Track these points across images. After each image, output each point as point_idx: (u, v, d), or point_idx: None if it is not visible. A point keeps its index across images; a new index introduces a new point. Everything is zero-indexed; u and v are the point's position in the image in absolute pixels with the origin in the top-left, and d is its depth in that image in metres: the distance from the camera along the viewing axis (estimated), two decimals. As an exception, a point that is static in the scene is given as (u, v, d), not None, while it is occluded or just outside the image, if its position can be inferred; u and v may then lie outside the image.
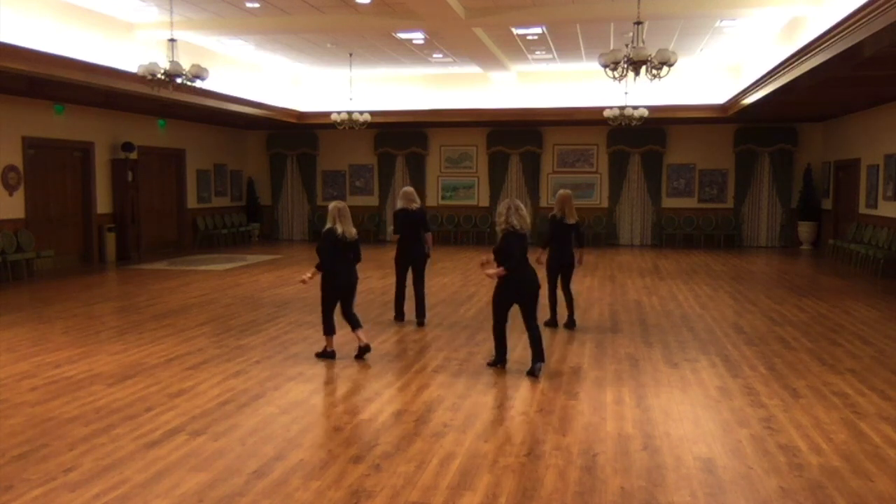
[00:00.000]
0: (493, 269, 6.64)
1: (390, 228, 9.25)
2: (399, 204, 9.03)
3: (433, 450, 4.80)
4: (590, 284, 12.31)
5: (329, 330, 7.20)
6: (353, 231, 7.15)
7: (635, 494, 4.14)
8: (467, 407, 5.73)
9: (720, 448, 4.85)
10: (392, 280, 12.53)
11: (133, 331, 8.59)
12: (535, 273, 6.79)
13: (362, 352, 7.26)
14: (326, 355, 7.19)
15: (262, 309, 10.05)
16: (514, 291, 6.69)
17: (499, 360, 6.92)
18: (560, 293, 8.82)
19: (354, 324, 7.27)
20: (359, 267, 7.39)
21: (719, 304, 10.52)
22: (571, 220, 8.58)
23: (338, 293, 7.18)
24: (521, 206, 6.77)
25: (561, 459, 4.64)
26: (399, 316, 9.15)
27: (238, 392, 6.11)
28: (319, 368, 6.93)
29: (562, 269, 8.71)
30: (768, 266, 15.53)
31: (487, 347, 7.71)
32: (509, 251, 6.56)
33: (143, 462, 4.58)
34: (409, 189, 9.16)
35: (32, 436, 5.05)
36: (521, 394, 6.10)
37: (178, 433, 5.11)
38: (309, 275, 7.13)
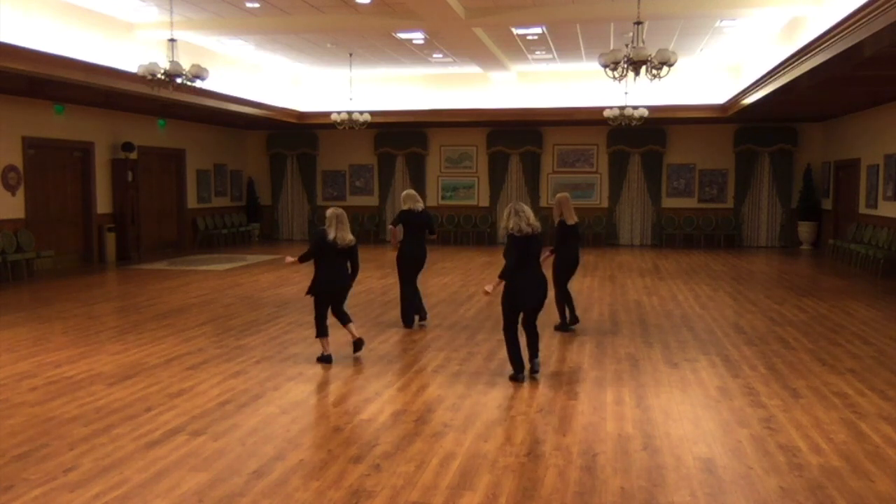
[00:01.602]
0: (489, 285, 6.49)
1: (389, 227, 9.02)
2: (405, 205, 8.78)
3: (433, 450, 4.80)
4: (590, 284, 12.30)
5: (322, 332, 7.18)
6: (350, 238, 7.07)
7: (635, 494, 4.14)
8: (467, 407, 5.73)
9: (720, 448, 4.85)
10: (392, 281, 12.57)
11: (133, 331, 8.59)
12: (544, 279, 6.55)
13: (357, 346, 7.26)
14: (322, 359, 7.16)
15: (262, 309, 10.05)
16: (519, 297, 6.43)
17: (519, 372, 6.47)
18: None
19: (345, 319, 7.29)
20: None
21: (719, 304, 10.52)
22: (571, 221, 8.50)
23: (328, 297, 7.18)
24: (524, 208, 6.46)
25: (561, 459, 4.64)
26: (409, 322, 8.79)
27: (238, 392, 6.11)
28: (319, 368, 6.93)
29: (571, 271, 8.70)
30: (768, 266, 15.53)
31: (487, 347, 7.72)
32: (505, 256, 6.42)
33: (143, 462, 4.58)
34: (413, 191, 8.98)
35: (32, 436, 5.05)
36: (521, 394, 6.10)
37: (178, 433, 5.11)
38: (291, 259, 7.23)
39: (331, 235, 6.98)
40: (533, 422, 5.41)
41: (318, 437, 5.13)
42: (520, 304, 6.46)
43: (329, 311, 7.23)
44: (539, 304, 6.52)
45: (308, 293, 7.20)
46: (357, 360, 7.20)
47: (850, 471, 4.47)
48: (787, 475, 4.39)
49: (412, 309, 8.84)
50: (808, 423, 5.33)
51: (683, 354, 7.45)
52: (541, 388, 6.23)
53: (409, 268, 8.82)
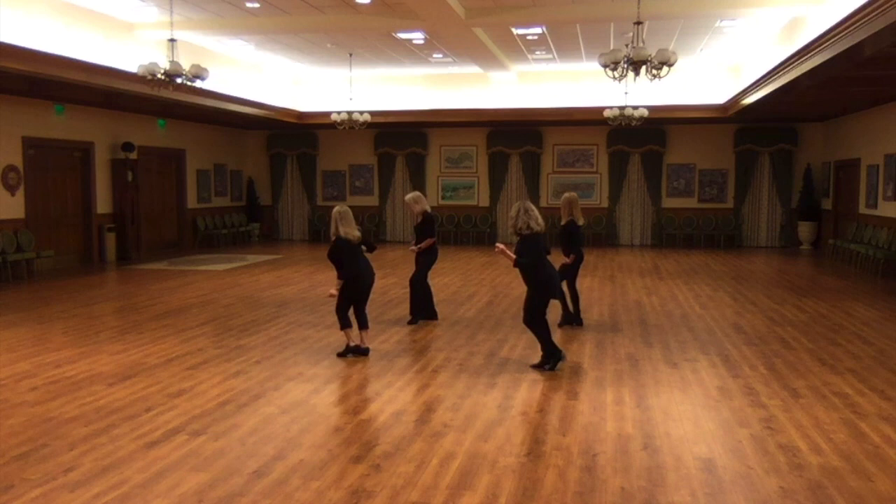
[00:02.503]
0: (508, 253, 6.71)
1: (430, 240, 9.23)
2: (427, 206, 9.10)
3: (433, 450, 4.80)
4: (590, 284, 12.29)
5: (346, 323, 7.29)
6: (357, 233, 7.27)
7: (635, 494, 4.14)
8: (467, 407, 5.73)
9: (720, 448, 4.85)
10: (393, 281, 12.61)
11: (133, 331, 8.59)
12: (556, 273, 6.95)
13: (360, 352, 7.33)
14: (352, 351, 7.29)
15: (262, 309, 10.05)
16: (551, 289, 6.84)
17: (560, 353, 6.87)
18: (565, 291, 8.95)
19: (364, 324, 7.39)
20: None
21: (719, 304, 10.51)
22: (582, 221, 8.77)
23: (359, 294, 7.33)
24: (532, 206, 6.81)
25: (561, 459, 4.64)
26: (434, 314, 9.25)
27: (238, 392, 6.11)
28: (319, 368, 6.93)
29: (578, 270, 8.93)
30: (768, 266, 15.52)
31: (488, 347, 7.72)
32: (523, 251, 6.67)
33: (143, 462, 4.58)
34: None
35: (32, 436, 5.05)
36: (521, 394, 6.10)
37: (178, 433, 5.11)
38: (335, 290, 7.20)
39: (341, 233, 7.12)
40: (533, 422, 5.41)
41: (318, 437, 5.13)
42: (552, 295, 6.90)
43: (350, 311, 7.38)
44: (557, 296, 7.05)
45: (344, 294, 7.22)
46: (357, 360, 7.20)
47: (850, 471, 4.46)
48: (787, 475, 4.39)
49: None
50: (808, 423, 5.33)
51: (683, 354, 7.45)
52: (541, 388, 6.23)
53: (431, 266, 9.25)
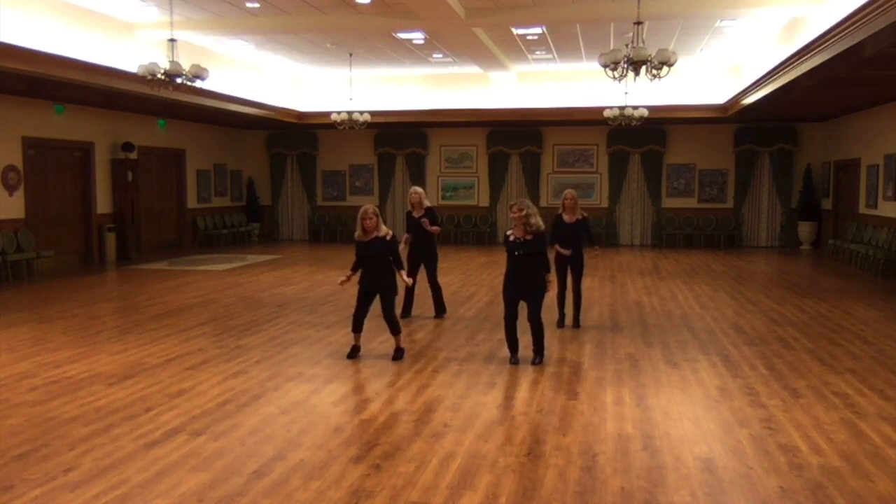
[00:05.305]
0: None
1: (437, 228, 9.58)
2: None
3: (433, 450, 4.80)
4: (590, 284, 12.28)
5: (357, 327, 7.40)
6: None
7: (635, 494, 4.14)
8: (467, 407, 5.73)
9: (720, 448, 4.85)
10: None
11: (133, 331, 8.58)
12: (527, 277, 6.90)
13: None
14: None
15: (262, 309, 10.05)
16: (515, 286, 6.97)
17: (511, 355, 7.10)
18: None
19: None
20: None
21: (719, 304, 10.51)
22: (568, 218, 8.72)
23: None
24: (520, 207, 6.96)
25: (561, 459, 4.64)
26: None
27: (238, 392, 6.11)
28: (319, 368, 6.93)
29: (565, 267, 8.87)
30: (768, 266, 15.52)
31: (487, 347, 7.72)
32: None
33: (143, 462, 4.58)
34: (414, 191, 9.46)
35: (32, 436, 5.05)
36: (521, 394, 6.10)
37: (178, 433, 5.11)
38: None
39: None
40: (533, 422, 5.41)
41: (318, 437, 5.12)
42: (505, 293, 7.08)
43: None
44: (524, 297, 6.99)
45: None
46: (357, 360, 7.20)
47: (850, 471, 4.46)
48: (787, 475, 4.39)
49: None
50: (808, 423, 5.33)
51: (683, 354, 7.45)
52: (541, 388, 6.23)
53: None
